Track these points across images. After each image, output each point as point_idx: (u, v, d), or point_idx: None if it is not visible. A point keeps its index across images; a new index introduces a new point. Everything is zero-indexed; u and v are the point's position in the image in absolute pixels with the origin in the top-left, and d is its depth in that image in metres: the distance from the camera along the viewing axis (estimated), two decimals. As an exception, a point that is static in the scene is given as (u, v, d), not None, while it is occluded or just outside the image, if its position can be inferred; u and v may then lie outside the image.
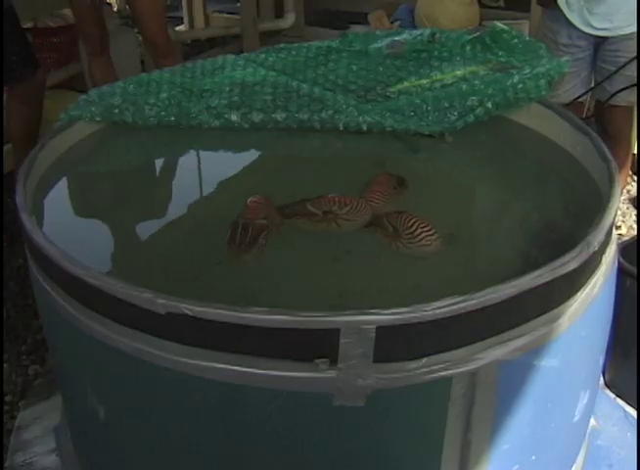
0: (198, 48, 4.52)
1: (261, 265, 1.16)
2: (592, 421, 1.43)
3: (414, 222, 1.18)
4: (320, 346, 0.91)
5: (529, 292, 0.95)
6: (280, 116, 1.51)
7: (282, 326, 0.89)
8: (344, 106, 1.50)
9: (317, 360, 0.91)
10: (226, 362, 0.93)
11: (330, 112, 1.49)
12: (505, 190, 1.41)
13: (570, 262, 0.98)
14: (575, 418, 1.19)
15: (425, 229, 1.17)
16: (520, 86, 1.46)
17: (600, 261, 1.09)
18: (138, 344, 0.97)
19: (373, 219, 1.24)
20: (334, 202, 1.24)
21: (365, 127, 1.49)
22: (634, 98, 2.18)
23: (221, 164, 1.53)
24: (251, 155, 1.57)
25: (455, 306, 0.90)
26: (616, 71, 2.11)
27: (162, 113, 1.51)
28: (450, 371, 0.94)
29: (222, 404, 0.98)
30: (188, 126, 1.52)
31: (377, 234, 1.22)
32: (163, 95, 1.53)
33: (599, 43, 2.37)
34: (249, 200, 1.26)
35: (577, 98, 2.17)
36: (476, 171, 1.48)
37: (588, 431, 1.39)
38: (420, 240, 1.17)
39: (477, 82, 1.51)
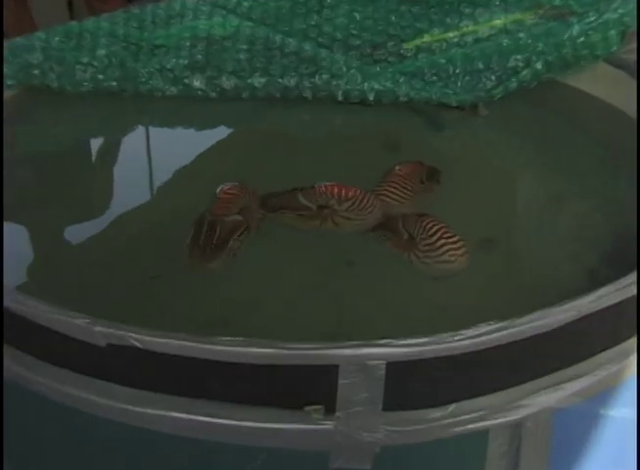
0: (146, -13, 4.51)
1: (233, 278, 1.16)
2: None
3: (437, 230, 1.19)
4: (312, 388, 0.91)
5: (592, 317, 0.95)
6: (258, 81, 1.52)
7: (261, 362, 0.89)
8: (345, 68, 1.51)
9: (308, 408, 0.91)
10: (188, 411, 0.93)
11: (325, 76, 1.50)
12: (560, 181, 1.42)
13: (645, 279, 0.99)
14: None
15: (449, 240, 1.18)
16: (581, 40, 1.46)
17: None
18: (70, 388, 0.97)
19: (384, 221, 1.26)
20: (332, 194, 1.25)
21: (372, 97, 1.51)
22: None
23: (181, 145, 1.54)
24: (220, 133, 1.57)
25: (492, 336, 0.90)
26: None
27: (100, 76, 1.52)
28: (486, 422, 0.95)
29: (184, 467, 0.98)
30: (135, 94, 1.53)
31: (387, 241, 1.23)
32: (101, 52, 1.54)
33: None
34: (219, 189, 1.27)
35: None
36: (520, 156, 1.49)
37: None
38: (441, 254, 1.18)
39: (522, 35, 1.52)
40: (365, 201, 1.26)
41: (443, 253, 1.18)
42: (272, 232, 1.23)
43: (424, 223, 1.20)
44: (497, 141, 1.51)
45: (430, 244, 1.18)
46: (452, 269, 1.18)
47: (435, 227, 1.19)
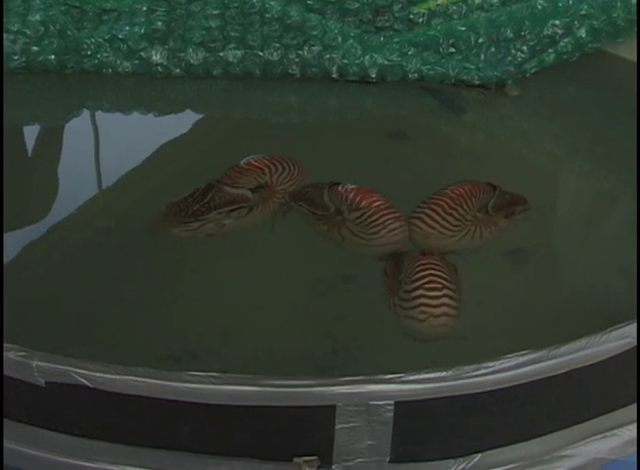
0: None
1: (201, 296, 1.17)
2: None
3: (422, 276, 1.17)
4: (303, 434, 0.91)
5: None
6: (233, 54, 1.53)
7: (239, 403, 0.88)
8: (340, 38, 1.51)
9: (298, 459, 0.90)
10: (149, 465, 0.92)
11: (316, 48, 1.52)
12: (609, 178, 1.43)
13: None
14: None
15: (429, 293, 1.16)
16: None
17: None
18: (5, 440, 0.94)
19: (400, 253, 1.25)
20: (346, 197, 1.27)
21: (375, 74, 1.52)
22: None
23: (136, 134, 1.55)
24: (186, 119, 1.58)
25: (525, 369, 0.89)
26: None
27: (34, 47, 1.52)
28: (519, 477, 0.94)
29: None
30: (79, 71, 1.54)
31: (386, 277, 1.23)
32: (35, 17, 1.54)
33: None
34: (245, 159, 1.32)
35: None
36: (559, 146, 1.50)
37: None
38: (412, 307, 1.15)
39: (561, -5, 1.55)
40: (375, 217, 1.24)
41: (415, 306, 1.15)
42: (283, 226, 1.25)
43: (415, 265, 1.18)
44: (530, 128, 1.51)
45: (407, 291, 1.16)
46: (419, 331, 1.14)
47: (423, 273, 1.17)
